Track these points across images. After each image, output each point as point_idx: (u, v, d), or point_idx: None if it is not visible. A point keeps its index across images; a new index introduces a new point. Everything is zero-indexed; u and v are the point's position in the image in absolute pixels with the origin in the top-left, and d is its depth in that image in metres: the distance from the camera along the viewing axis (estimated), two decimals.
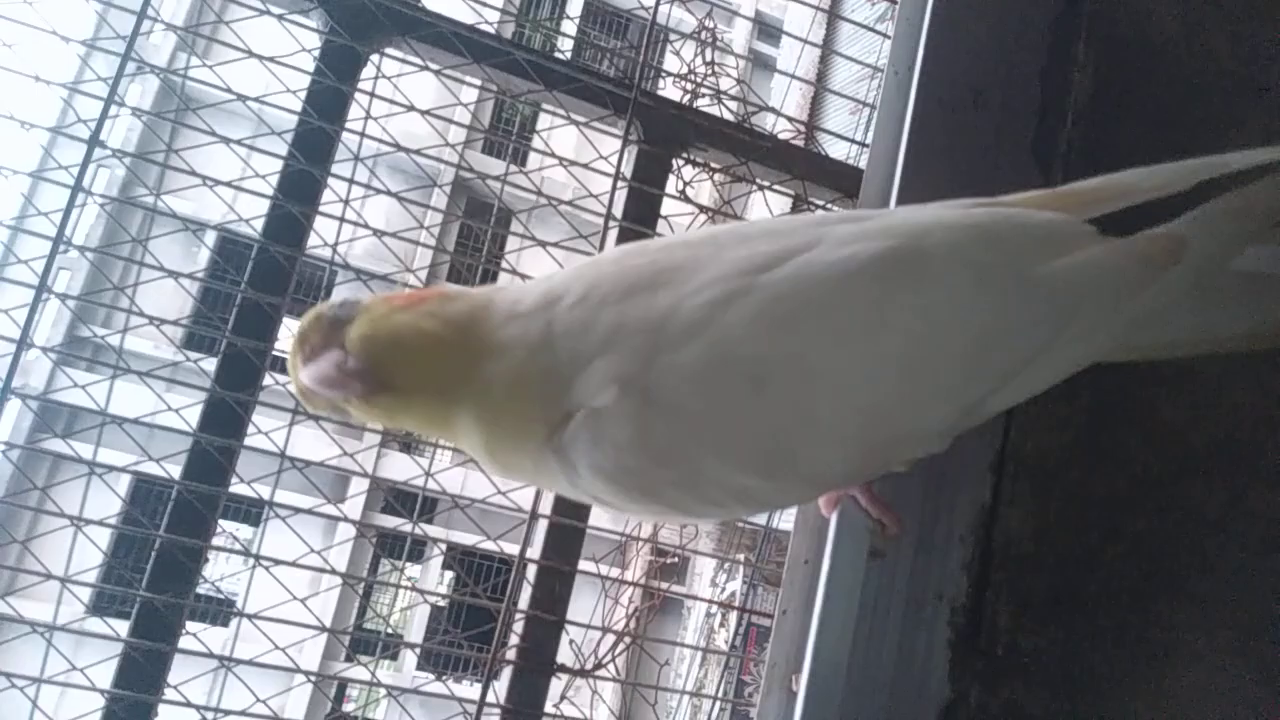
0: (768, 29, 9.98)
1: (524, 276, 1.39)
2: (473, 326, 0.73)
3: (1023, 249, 0.75)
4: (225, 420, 1.29)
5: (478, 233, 8.38)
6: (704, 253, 0.76)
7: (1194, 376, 1.12)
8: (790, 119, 1.67)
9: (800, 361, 0.72)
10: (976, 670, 1.05)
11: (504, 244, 8.02)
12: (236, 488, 1.33)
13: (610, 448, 0.71)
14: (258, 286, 1.30)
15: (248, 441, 1.31)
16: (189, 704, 1.25)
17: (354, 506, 8.13)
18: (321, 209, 1.36)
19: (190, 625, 1.25)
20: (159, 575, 1.25)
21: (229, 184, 1.31)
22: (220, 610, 8.81)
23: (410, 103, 1.34)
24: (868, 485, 1.05)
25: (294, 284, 1.33)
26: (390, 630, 9.50)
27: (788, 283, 0.72)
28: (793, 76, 5.67)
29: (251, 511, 8.36)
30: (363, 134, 1.33)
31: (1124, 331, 0.77)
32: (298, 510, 1.36)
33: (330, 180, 1.36)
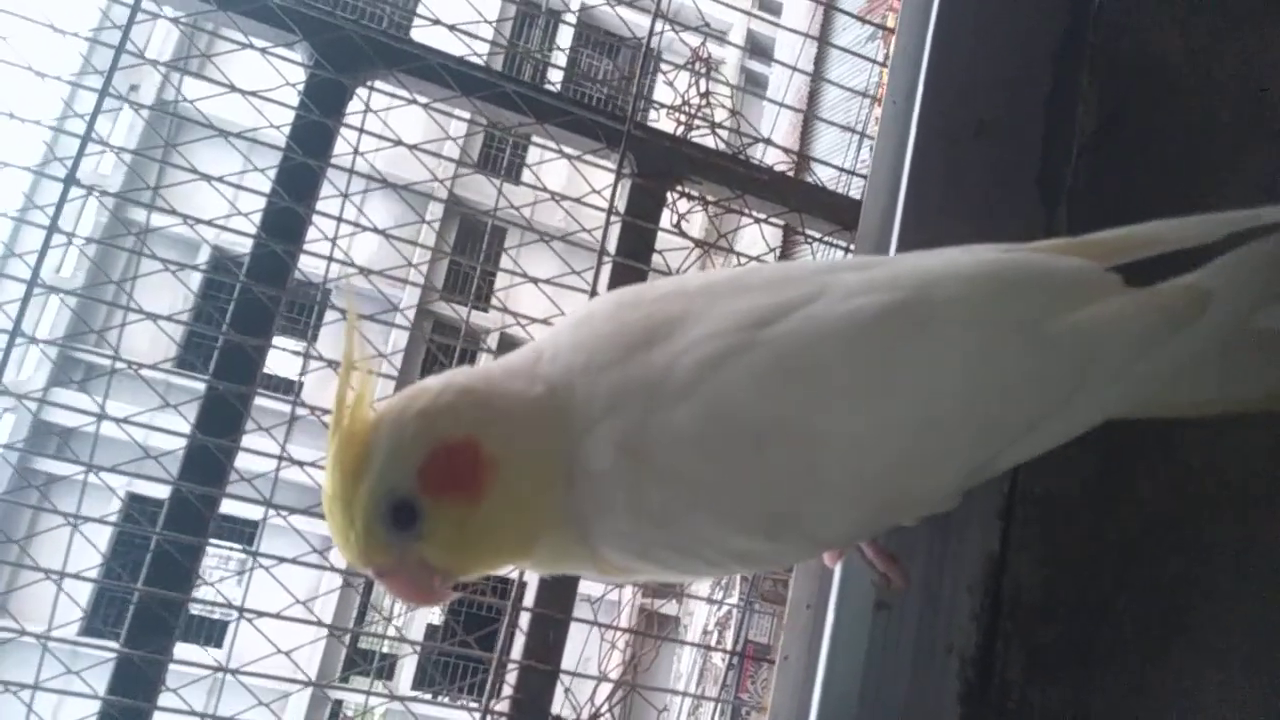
0: (759, 47, 10.01)
1: (516, 315, 1.35)
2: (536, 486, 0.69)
3: (1039, 301, 0.72)
4: (209, 459, 1.25)
5: (470, 256, 8.35)
6: (699, 304, 0.72)
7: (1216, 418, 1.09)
8: (784, 149, 1.64)
9: (803, 422, 0.69)
10: None
11: (498, 260, 8.00)
12: (233, 508, 1.30)
13: (609, 511, 0.68)
14: (240, 324, 1.26)
15: (238, 489, 1.28)
16: (190, 711, 1.22)
17: None
18: (310, 244, 1.33)
19: (186, 646, 1.22)
20: (155, 580, 1.22)
21: (210, 222, 1.28)
22: (215, 629, 8.74)
23: (398, 137, 1.31)
24: (873, 539, 1.01)
25: (276, 320, 1.30)
26: (385, 653, 9.42)
27: (789, 339, 0.69)
28: (782, 105, 5.64)
29: (245, 531, 8.29)
30: (351, 170, 1.30)
31: (1142, 387, 0.74)
32: (281, 560, 1.32)
33: (320, 212, 1.33)
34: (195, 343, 6.53)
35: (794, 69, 5.24)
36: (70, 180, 1.16)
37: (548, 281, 1.24)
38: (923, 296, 0.71)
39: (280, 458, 1.20)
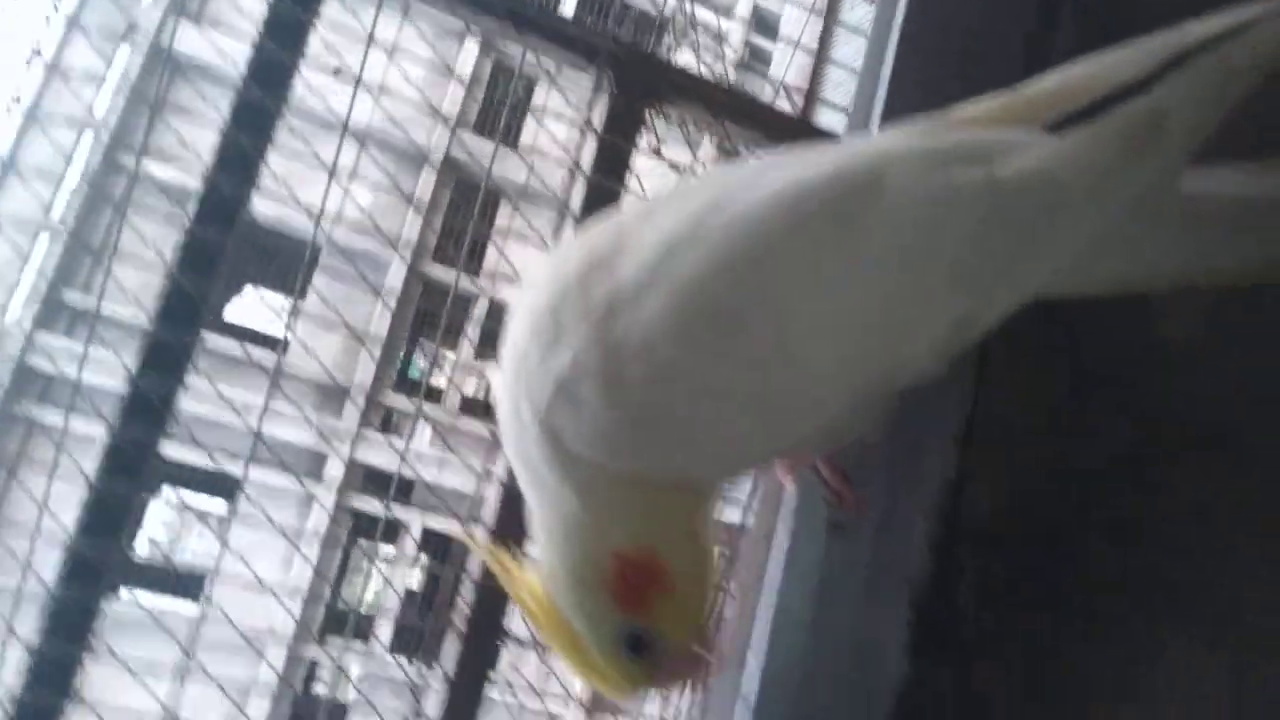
0: (764, 23, 9.92)
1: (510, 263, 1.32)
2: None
3: (989, 153, 0.71)
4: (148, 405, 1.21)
5: (464, 213, 8.30)
6: (639, 227, 0.72)
7: (1189, 359, 1.07)
8: (791, 89, 1.62)
9: (767, 299, 0.68)
10: (937, 652, 0.99)
11: (493, 221, 7.94)
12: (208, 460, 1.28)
13: (587, 410, 0.67)
14: (190, 264, 1.22)
15: (226, 417, 1.25)
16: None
17: (332, 486, 8.07)
18: (305, 186, 1.30)
19: (163, 599, 1.21)
20: (91, 527, 1.19)
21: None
22: (192, 584, 8.74)
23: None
24: (828, 455, 1.00)
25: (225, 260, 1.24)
26: (363, 612, 9.45)
27: (743, 220, 0.68)
28: (795, 49, 5.54)
29: (225, 486, 8.28)
30: (345, 125, 1.26)
31: (1106, 237, 0.74)
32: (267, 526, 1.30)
33: (317, 154, 1.30)
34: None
35: (796, 45, 5.17)
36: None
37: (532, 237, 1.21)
38: (870, 162, 0.71)
39: (272, 385, 1.18)
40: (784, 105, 1.49)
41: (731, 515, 1.44)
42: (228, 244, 1.22)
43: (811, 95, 1.52)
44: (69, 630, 1.13)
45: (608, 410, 0.67)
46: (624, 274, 0.68)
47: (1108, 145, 0.70)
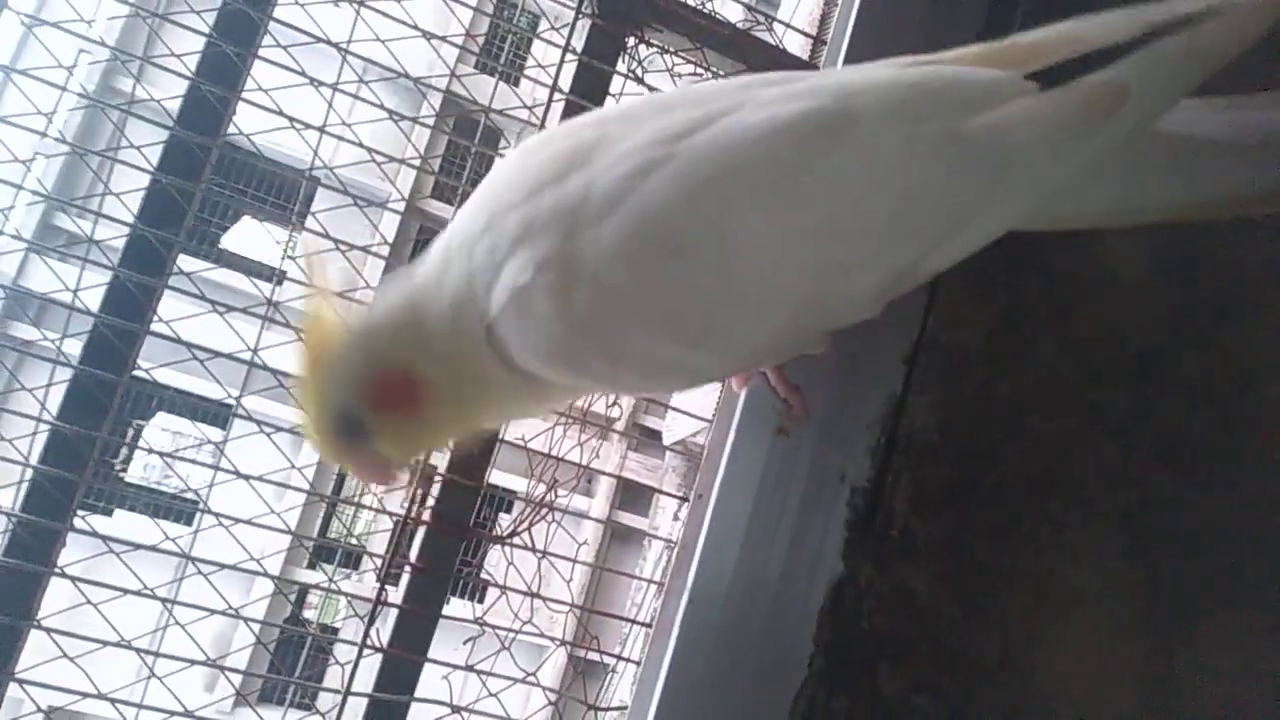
0: None
1: None
2: (429, 344, 0.76)
3: (956, 105, 0.73)
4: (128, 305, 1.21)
5: (464, 151, 8.26)
6: (616, 129, 0.74)
7: (1114, 287, 1.13)
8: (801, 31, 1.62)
9: (719, 228, 0.70)
10: (870, 550, 1.07)
11: (490, 164, 7.94)
12: (206, 389, 1.31)
13: (534, 321, 0.71)
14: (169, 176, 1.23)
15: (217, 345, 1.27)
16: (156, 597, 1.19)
17: None
18: (304, 118, 1.30)
19: (156, 524, 1.21)
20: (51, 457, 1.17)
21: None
22: (186, 508, 8.87)
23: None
24: (778, 366, 1.06)
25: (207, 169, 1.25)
26: (354, 541, 9.59)
27: (706, 147, 0.71)
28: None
29: (220, 414, 8.36)
30: (345, 50, 1.27)
31: (1060, 189, 0.76)
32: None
33: (316, 88, 1.30)
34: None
35: None
36: None
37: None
38: (840, 105, 0.72)
39: (264, 318, 1.23)
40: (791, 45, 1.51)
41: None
42: (212, 150, 1.24)
43: (819, 40, 1.55)
44: (32, 552, 1.11)
45: (553, 323, 0.70)
46: (597, 178, 0.70)
47: (1069, 114, 0.72)
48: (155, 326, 1.21)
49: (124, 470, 9.01)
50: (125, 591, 1.15)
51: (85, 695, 1.11)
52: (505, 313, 0.72)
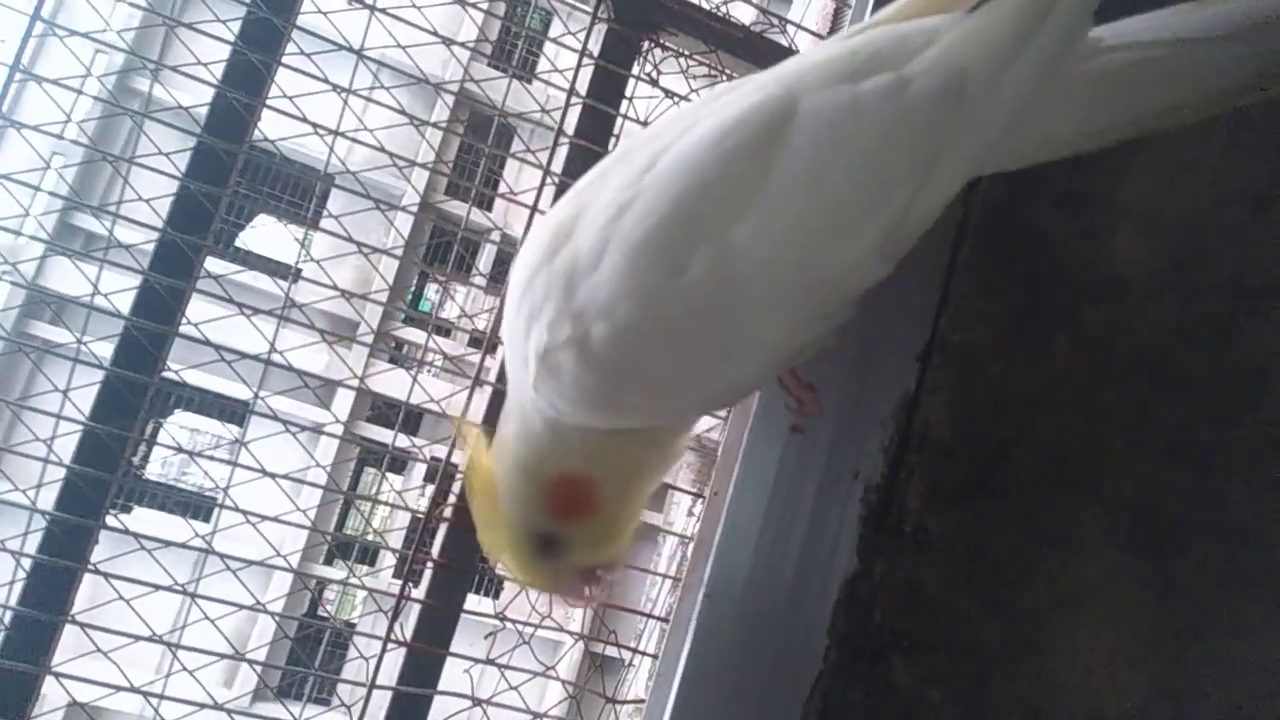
0: None
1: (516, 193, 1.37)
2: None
3: (899, 56, 0.74)
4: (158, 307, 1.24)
5: (477, 149, 8.30)
6: (589, 195, 0.77)
7: (1124, 286, 1.14)
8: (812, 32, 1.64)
9: (705, 236, 0.72)
10: (883, 546, 1.09)
11: (503, 164, 7.97)
12: (225, 386, 1.34)
13: (566, 378, 0.74)
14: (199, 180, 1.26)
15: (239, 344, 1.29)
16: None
17: (341, 415, 8.21)
18: (319, 119, 1.33)
19: (174, 521, 1.23)
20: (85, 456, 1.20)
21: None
22: (204, 504, 8.96)
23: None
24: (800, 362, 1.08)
25: (235, 174, 1.28)
26: (370, 536, 9.66)
27: (666, 170, 0.73)
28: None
29: (238, 412, 8.44)
30: (360, 53, 1.30)
31: (1026, 112, 0.75)
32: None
33: (339, 94, 1.32)
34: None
35: None
36: None
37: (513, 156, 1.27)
38: (783, 90, 0.74)
39: (280, 317, 1.25)
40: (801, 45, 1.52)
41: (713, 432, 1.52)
42: (238, 156, 1.27)
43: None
44: (65, 549, 1.15)
45: (583, 373, 0.73)
46: (580, 241, 0.74)
47: (1002, 22, 0.72)
48: (183, 329, 1.24)
49: (143, 467, 9.12)
50: (157, 587, 1.18)
51: (118, 689, 1.14)
52: (540, 380, 0.75)
